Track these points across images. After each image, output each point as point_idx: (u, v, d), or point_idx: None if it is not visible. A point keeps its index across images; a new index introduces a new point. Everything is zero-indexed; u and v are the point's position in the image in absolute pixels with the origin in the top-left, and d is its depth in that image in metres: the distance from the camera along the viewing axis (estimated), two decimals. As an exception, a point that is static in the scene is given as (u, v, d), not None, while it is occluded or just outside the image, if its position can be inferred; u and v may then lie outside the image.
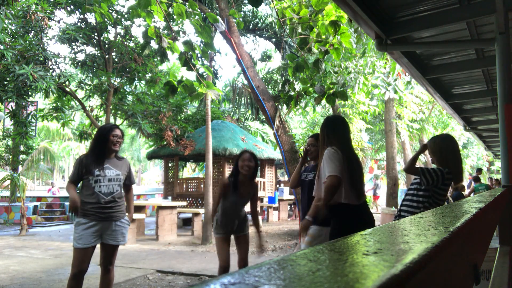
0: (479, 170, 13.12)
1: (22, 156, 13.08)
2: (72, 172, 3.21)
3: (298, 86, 6.58)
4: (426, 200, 2.80)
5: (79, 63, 10.64)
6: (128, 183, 3.40)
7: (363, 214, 2.71)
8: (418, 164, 3.15)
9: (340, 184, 2.57)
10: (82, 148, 32.89)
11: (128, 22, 10.64)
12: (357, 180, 2.72)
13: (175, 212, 9.06)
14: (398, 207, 3.19)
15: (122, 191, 3.31)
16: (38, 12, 8.77)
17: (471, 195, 9.82)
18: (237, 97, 15.67)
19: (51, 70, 9.32)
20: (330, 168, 2.56)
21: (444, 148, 2.95)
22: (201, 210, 8.83)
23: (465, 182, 20.90)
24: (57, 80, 9.06)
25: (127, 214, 3.38)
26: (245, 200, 3.77)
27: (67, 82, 9.72)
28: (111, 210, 3.16)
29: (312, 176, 3.34)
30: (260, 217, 12.22)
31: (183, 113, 12.84)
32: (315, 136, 3.42)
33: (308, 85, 5.36)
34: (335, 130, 2.81)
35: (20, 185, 9.83)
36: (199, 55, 9.39)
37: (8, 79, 8.43)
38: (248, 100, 15.29)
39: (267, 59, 15.88)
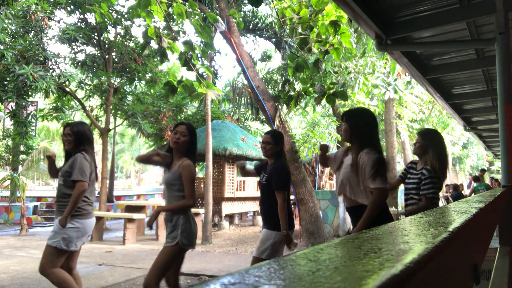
0: (483, 171, 13.13)
1: (22, 156, 13.08)
2: None
3: (298, 86, 6.58)
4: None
5: (79, 63, 10.65)
6: (72, 178, 3.03)
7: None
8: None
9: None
10: (82, 148, 32.83)
11: (128, 22, 10.65)
12: None
13: (175, 212, 9.03)
14: (404, 205, 3.20)
15: (65, 189, 3.06)
16: (38, 12, 8.77)
17: (472, 195, 9.83)
18: (237, 97, 15.67)
19: (51, 70, 9.32)
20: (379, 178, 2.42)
21: (437, 144, 3.01)
22: (201, 210, 8.82)
23: (465, 182, 20.92)
24: (57, 80, 9.06)
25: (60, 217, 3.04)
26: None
27: (67, 82, 9.72)
28: (56, 208, 3.12)
29: (264, 180, 3.19)
30: (260, 217, 12.24)
31: (183, 113, 12.84)
32: (270, 133, 3.24)
33: (308, 85, 5.36)
34: (376, 127, 2.65)
35: (20, 185, 9.83)
36: (199, 55, 9.39)
37: (8, 79, 8.43)
38: (248, 100, 15.29)
39: (267, 59, 15.88)
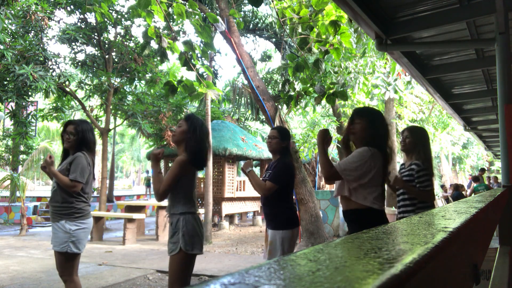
0: (482, 170, 13.14)
1: (22, 156, 13.08)
2: None
3: (298, 86, 6.58)
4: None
5: (79, 63, 10.65)
6: (70, 178, 2.94)
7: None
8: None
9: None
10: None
11: (128, 22, 10.65)
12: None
13: (175, 212, 9.04)
14: (397, 206, 3.18)
15: (63, 193, 2.95)
16: (38, 12, 8.77)
17: (472, 195, 9.82)
18: (237, 97, 15.68)
19: (51, 70, 9.32)
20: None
21: (426, 141, 3.03)
22: (201, 210, 8.83)
23: (465, 182, 20.91)
24: (57, 80, 9.06)
25: (64, 221, 2.92)
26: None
27: (67, 82, 9.72)
28: (51, 210, 3.02)
29: (267, 176, 3.09)
30: (260, 217, 12.24)
31: (183, 113, 12.84)
32: (277, 128, 3.28)
33: (308, 85, 5.36)
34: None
35: (20, 185, 9.83)
36: (199, 55, 9.39)
37: (8, 79, 8.43)
38: (248, 100, 15.29)
39: (267, 59, 15.88)
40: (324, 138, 2.52)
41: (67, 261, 2.93)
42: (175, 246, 2.62)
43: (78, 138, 3.00)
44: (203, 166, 2.79)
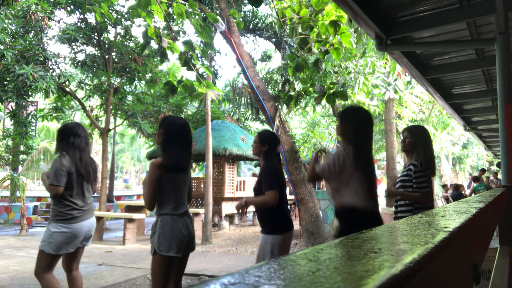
0: (483, 170, 13.14)
1: (22, 156, 13.09)
2: None
3: (298, 86, 6.58)
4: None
5: (79, 63, 10.65)
6: (48, 182, 2.99)
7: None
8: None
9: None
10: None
11: (128, 22, 10.65)
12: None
13: (175, 212, 9.03)
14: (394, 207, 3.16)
15: (50, 197, 3.03)
16: (38, 12, 8.77)
17: (472, 195, 9.82)
18: (237, 97, 15.67)
19: (51, 70, 9.32)
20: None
21: (426, 140, 3.00)
22: (201, 210, 8.83)
23: (465, 182, 20.90)
24: (57, 80, 9.06)
25: (49, 222, 3.02)
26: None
27: (67, 82, 9.72)
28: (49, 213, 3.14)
29: (257, 183, 3.10)
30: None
31: (183, 113, 12.84)
32: (259, 132, 3.25)
33: (308, 85, 5.36)
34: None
35: (20, 185, 9.83)
36: (199, 55, 9.39)
37: (8, 79, 8.43)
38: (248, 100, 15.29)
39: (267, 59, 15.88)
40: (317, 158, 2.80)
41: (41, 259, 3.03)
42: (152, 246, 2.59)
43: (56, 141, 3.11)
44: (179, 170, 2.66)
